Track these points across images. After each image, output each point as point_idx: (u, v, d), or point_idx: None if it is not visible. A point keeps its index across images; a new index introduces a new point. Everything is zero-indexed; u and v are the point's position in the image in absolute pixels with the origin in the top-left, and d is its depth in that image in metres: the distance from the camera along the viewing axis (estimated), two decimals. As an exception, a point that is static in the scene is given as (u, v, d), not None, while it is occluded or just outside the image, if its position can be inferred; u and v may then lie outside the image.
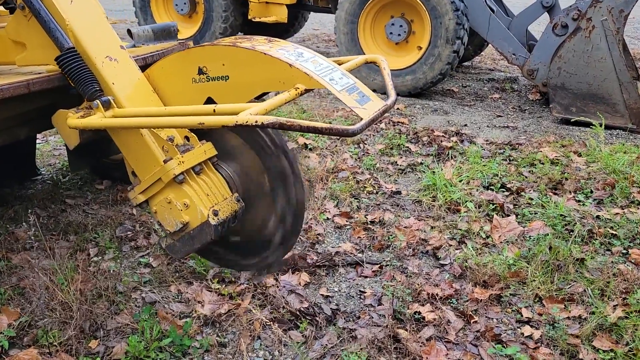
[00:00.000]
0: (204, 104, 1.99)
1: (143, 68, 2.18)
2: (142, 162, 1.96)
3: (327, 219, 3.24)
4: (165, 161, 1.89)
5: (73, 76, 1.93)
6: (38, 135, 3.98)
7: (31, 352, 2.06)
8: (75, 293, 2.30)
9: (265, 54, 1.84)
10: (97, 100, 1.90)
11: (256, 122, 1.50)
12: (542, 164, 3.99)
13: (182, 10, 6.95)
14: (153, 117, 1.78)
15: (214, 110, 1.67)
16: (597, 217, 3.24)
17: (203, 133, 2.00)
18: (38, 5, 1.95)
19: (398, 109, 5.33)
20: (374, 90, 5.81)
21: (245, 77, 1.90)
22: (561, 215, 3.23)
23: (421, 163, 4.06)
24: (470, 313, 2.42)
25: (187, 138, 1.98)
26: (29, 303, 2.34)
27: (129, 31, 2.70)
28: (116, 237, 2.92)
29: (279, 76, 1.83)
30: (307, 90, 1.82)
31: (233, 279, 2.60)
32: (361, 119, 1.70)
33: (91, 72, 1.96)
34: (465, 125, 4.95)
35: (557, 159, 4.09)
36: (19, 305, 2.35)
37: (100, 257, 2.74)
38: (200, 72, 1.96)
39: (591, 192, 3.58)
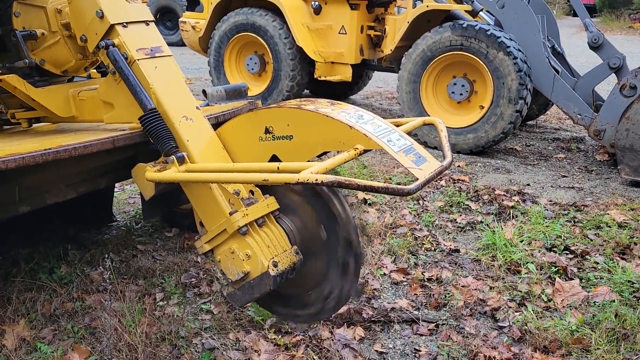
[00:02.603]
0: (269, 161, 2.14)
1: (216, 126, 2.36)
2: (209, 213, 2.11)
3: (384, 274, 3.26)
4: (230, 213, 2.02)
5: (153, 134, 2.13)
6: (116, 184, 4.27)
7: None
8: (141, 335, 2.44)
9: (327, 116, 1.96)
10: (173, 156, 2.08)
11: (316, 180, 1.61)
12: (609, 227, 3.86)
13: (252, 69, 7.35)
14: (222, 173, 1.93)
15: (278, 167, 1.80)
16: (669, 285, 3.09)
17: (267, 188, 2.13)
18: (127, 71, 2.18)
19: (459, 166, 5.34)
20: (434, 148, 5.77)
21: (308, 137, 2.03)
22: (629, 281, 3.10)
23: (481, 222, 4.03)
24: (529, 379, 2.35)
25: (251, 192, 2.12)
26: (99, 342, 2.49)
27: (204, 91, 2.93)
28: (181, 283, 3.07)
29: (340, 137, 1.95)
30: (366, 151, 1.92)
31: (289, 330, 2.66)
32: (417, 179, 1.78)
33: (169, 130, 2.15)
34: (528, 184, 4.88)
35: (625, 223, 3.95)
36: (90, 344, 2.51)
37: (165, 302, 2.89)
38: (267, 131, 2.11)
39: (662, 258, 3.43)
